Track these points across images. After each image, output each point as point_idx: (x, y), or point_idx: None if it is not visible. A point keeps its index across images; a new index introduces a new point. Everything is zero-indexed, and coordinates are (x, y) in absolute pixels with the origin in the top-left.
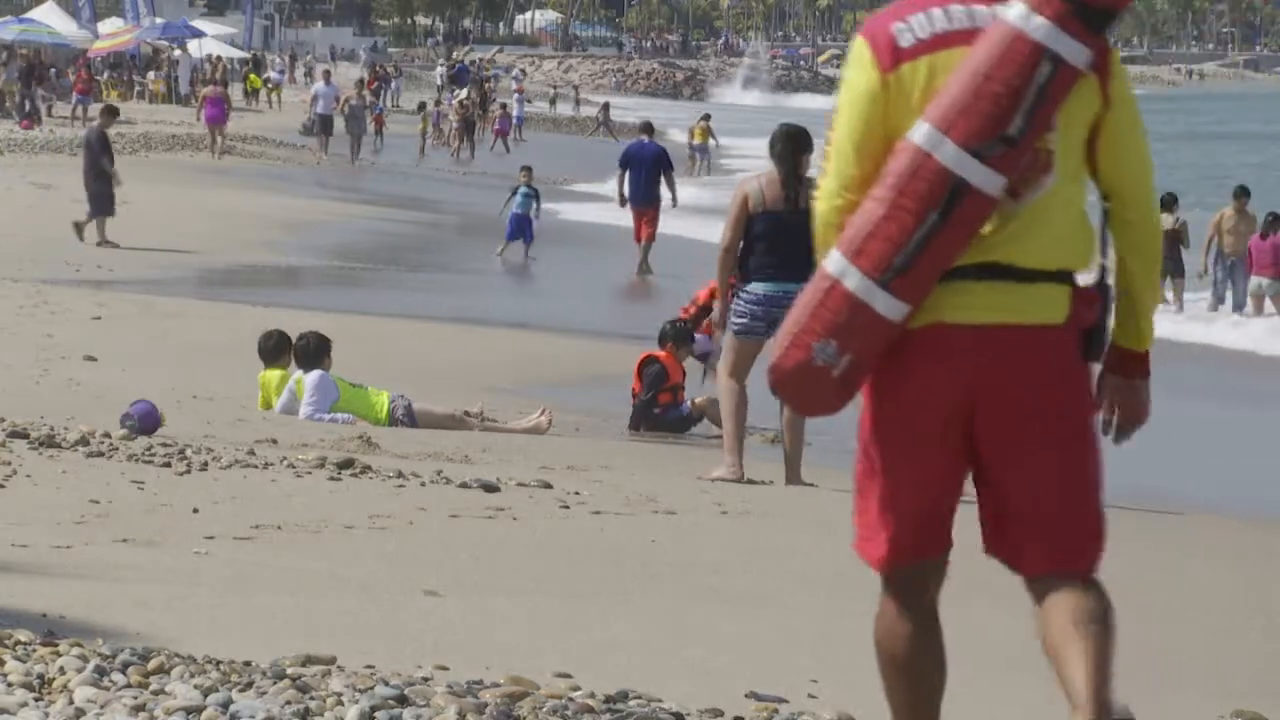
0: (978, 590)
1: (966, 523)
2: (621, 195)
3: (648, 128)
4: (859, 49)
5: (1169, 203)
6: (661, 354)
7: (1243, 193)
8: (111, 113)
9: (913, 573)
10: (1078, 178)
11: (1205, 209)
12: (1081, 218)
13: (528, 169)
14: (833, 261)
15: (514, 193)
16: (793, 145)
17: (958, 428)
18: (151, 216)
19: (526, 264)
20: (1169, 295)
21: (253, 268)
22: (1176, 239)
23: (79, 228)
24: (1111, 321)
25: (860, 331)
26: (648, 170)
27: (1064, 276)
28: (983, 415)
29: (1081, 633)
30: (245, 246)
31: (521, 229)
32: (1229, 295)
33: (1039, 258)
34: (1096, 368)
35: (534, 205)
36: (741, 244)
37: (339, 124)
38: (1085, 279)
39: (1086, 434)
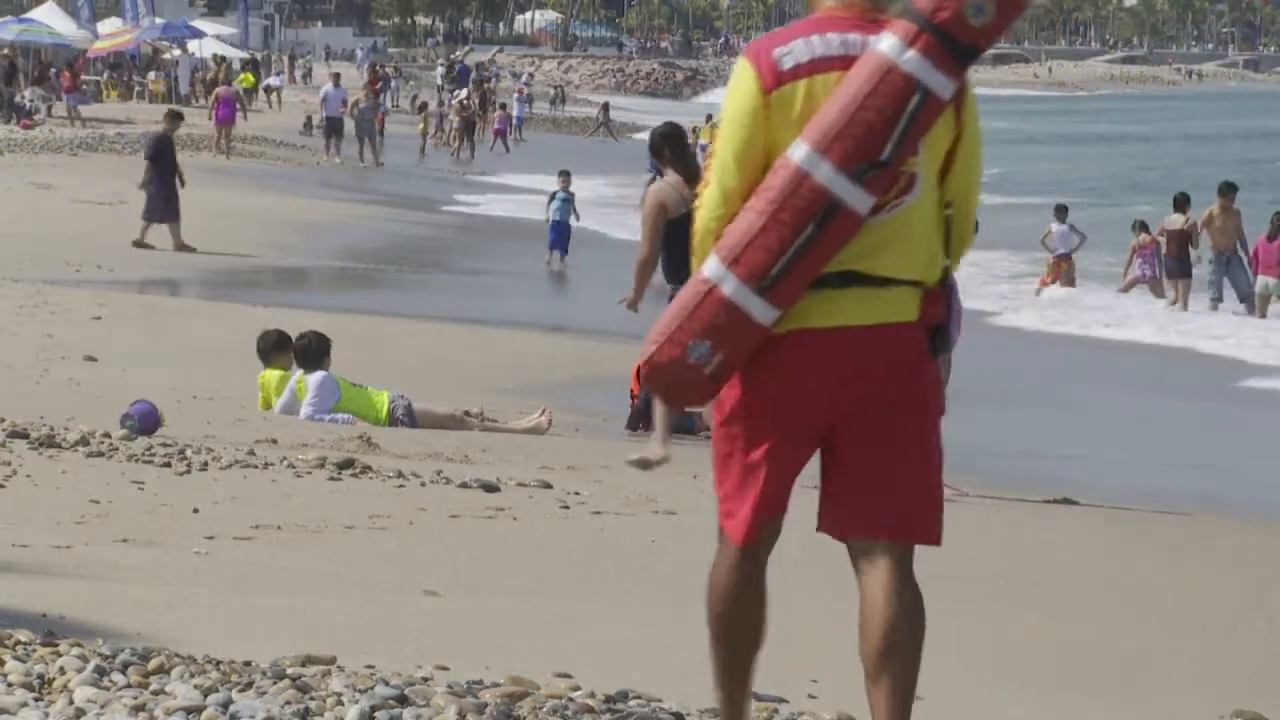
0: (994, 599)
1: (969, 529)
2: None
3: None
4: (743, 69)
5: (1181, 203)
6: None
7: (1229, 189)
8: (176, 117)
9: (746, 547)
10: (934, 196)
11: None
12: (935, 231)
13: (565, 173)
14: (710, 267)
15: (552, 198)
16: (680, 144)
17: (818, 421)
18: None
19: (563, 271)
20: (1169, 294)
21: (253, 268)
22: (1186, 240)
23: (141, 242)
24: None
25: (734, 334)
26: None
27: (916, 282)
28: (844, 406)
29: (892, 664)
30: (245, 246)
31: (562, 237)
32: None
33: (896, 268)
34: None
35: (572, 210)
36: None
37: (348, 125)
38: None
39: (933, 421)
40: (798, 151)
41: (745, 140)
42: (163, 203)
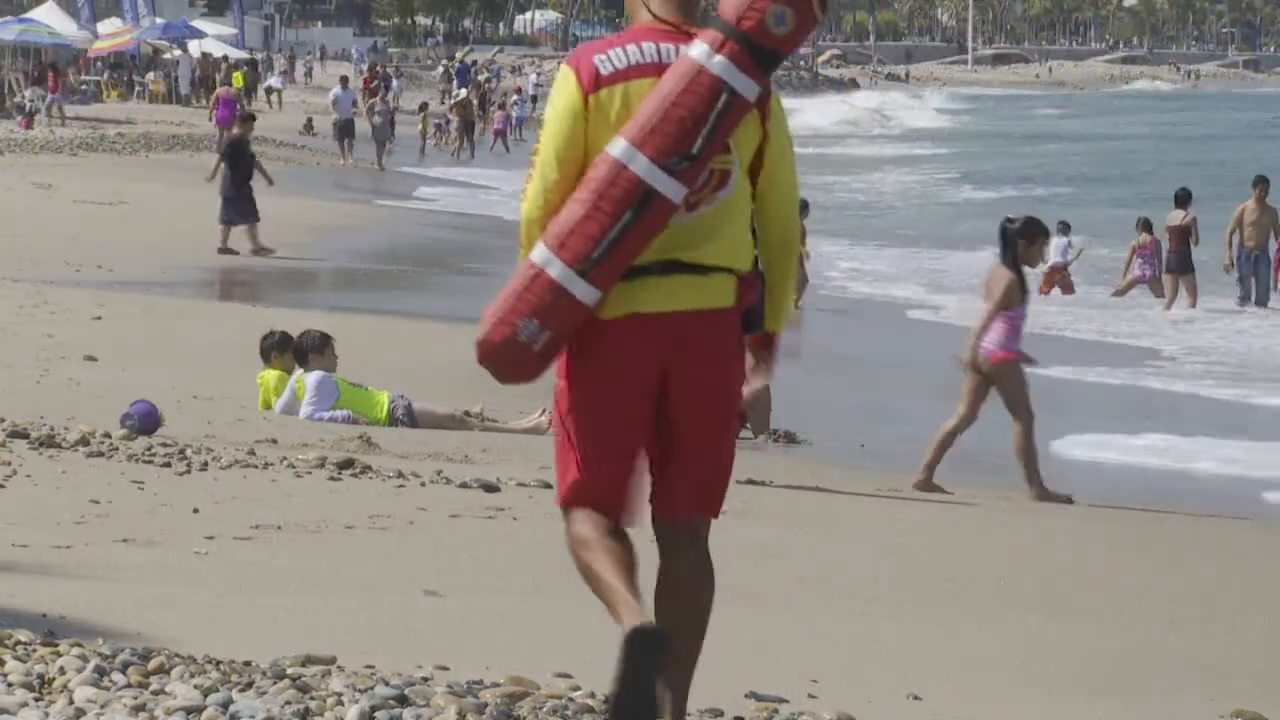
0: (994, 599)
1: (969, 529)
2: None
3: None
4: (565, 75)
5: (1183, 199)
6: None
7: (1261, 182)
8: (249, 119)
9: (593, 515)
10: (746, 194)
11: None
12: (748, 224)
13: None
14: (538, 253)
15: None
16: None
17: (649, 399)
18: (151, 216)
19: None
20: (1164, 290)
21: (253, 268)
22: (1186, 235)
23: (224, 247)
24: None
25: (559, 313)
26: None
27: (731, 269)
28: (671, 386)
29: (679, 623)
30: (245, 246)
31: None
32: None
33: (714, 257)
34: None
35: None
36: None
37: (359, 126)
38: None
39: (737, 404)
40: (616, 146)
41: (566, 139)
42: (239, 205)
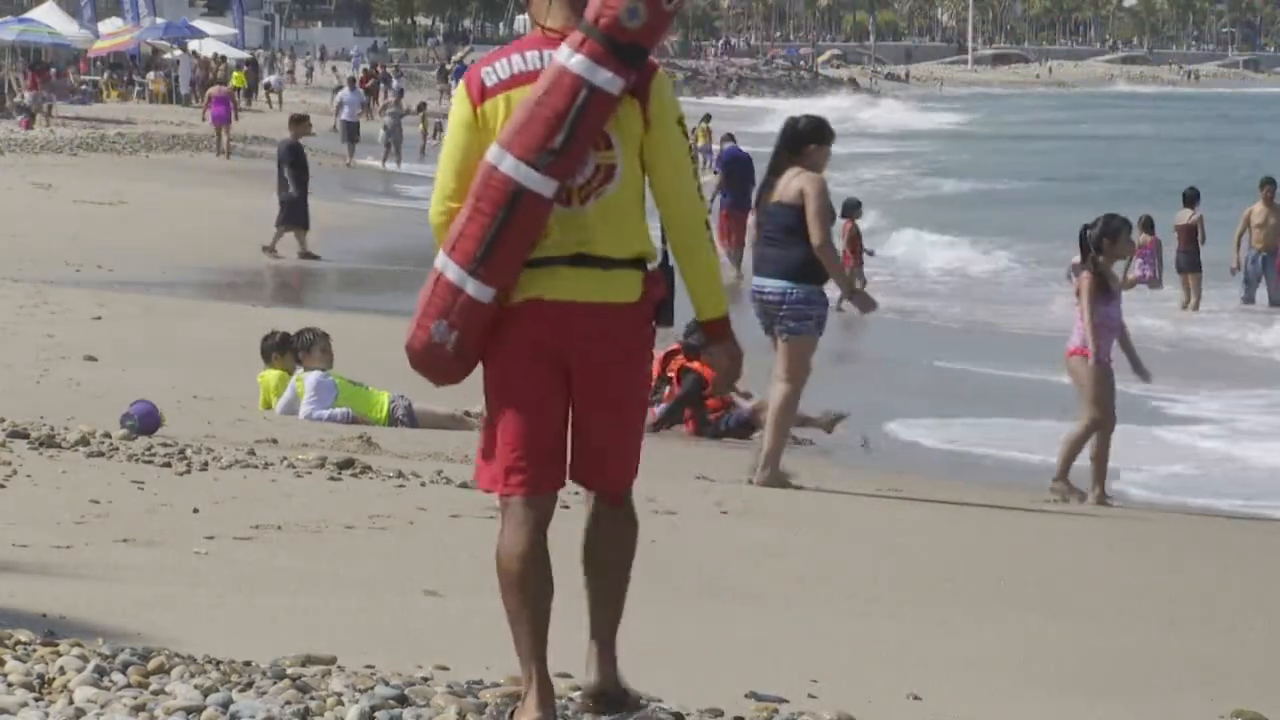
0: (994, 599)
1: (969, 530)
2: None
3: (729, 137)
4: (460, 89)
5: (1190, 198)
6: (695, 364)
7: (1269, 183)
8: (300, 121)
9: (525, 505)
10: (636, 185)
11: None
12: (641, 215)
13: None
14: (439, 258)
15: None
16: (825, 135)
17: (558, 382)
18: (151, 216)
19: None
20: (1166, 288)
21: (253, 268)
22: (1193, 234)
23: (271, 249)
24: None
25: (461, 312)
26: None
27: (637, 263)
28: (575, 373)
29: (605, 575)
30: (244, 246)
31: None
32: (1261, 291)
33: (613, 248)
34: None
35: None
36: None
37: (368, 129)
38: (652, 264)
39: (642, 390)
40: (489, 151)
41: (460, 149)
42: (293, 208)
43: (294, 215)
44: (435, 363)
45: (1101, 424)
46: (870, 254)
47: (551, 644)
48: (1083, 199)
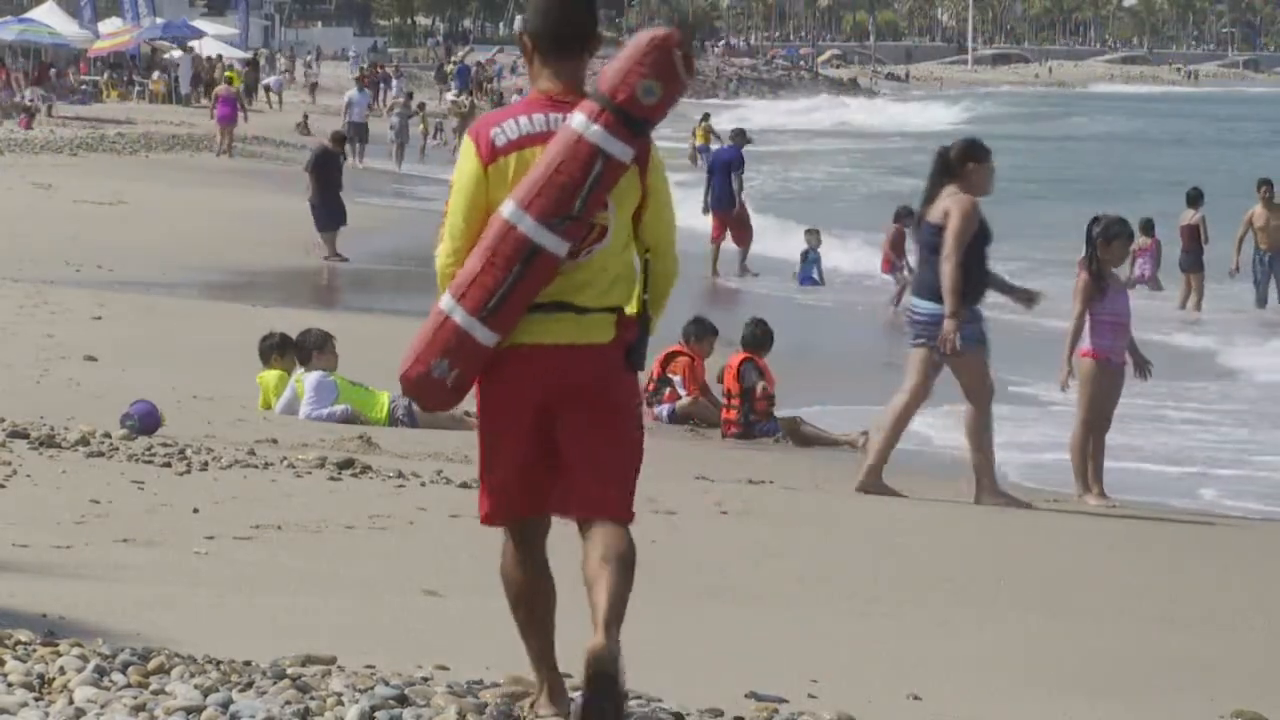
0: (994, 599)
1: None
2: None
3: (740, 134)
4: (467, 146)
5: (1194, 198)
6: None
7: (1265, 184)
8: (340, 141)
9: (522, 527)
10: (627, 243)
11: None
12: (628, 270)
13: (814, 231)
14: (445, 301)
15: (804, 258)
16: (984, 155)
17: (542, 419)
18: (151, 216)
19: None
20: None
21: (254, 268)
22: (1196, 234)
23: (332, 254)
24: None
25: (464, 354)
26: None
27: (612, 309)
28: (558, 409)
29: (608, 569)
30: (244, 246)
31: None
32: (1273, 293)
33: (595, 299)
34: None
35: (816, 269)
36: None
37: (376, 129)
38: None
39: (630, 421)
40: (506, 208)
41: (469, 203)
42: (315, 213)
43: (318, 219)
44: (430, 393)
45: (1091, 423)
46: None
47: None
48: (1063, 199)
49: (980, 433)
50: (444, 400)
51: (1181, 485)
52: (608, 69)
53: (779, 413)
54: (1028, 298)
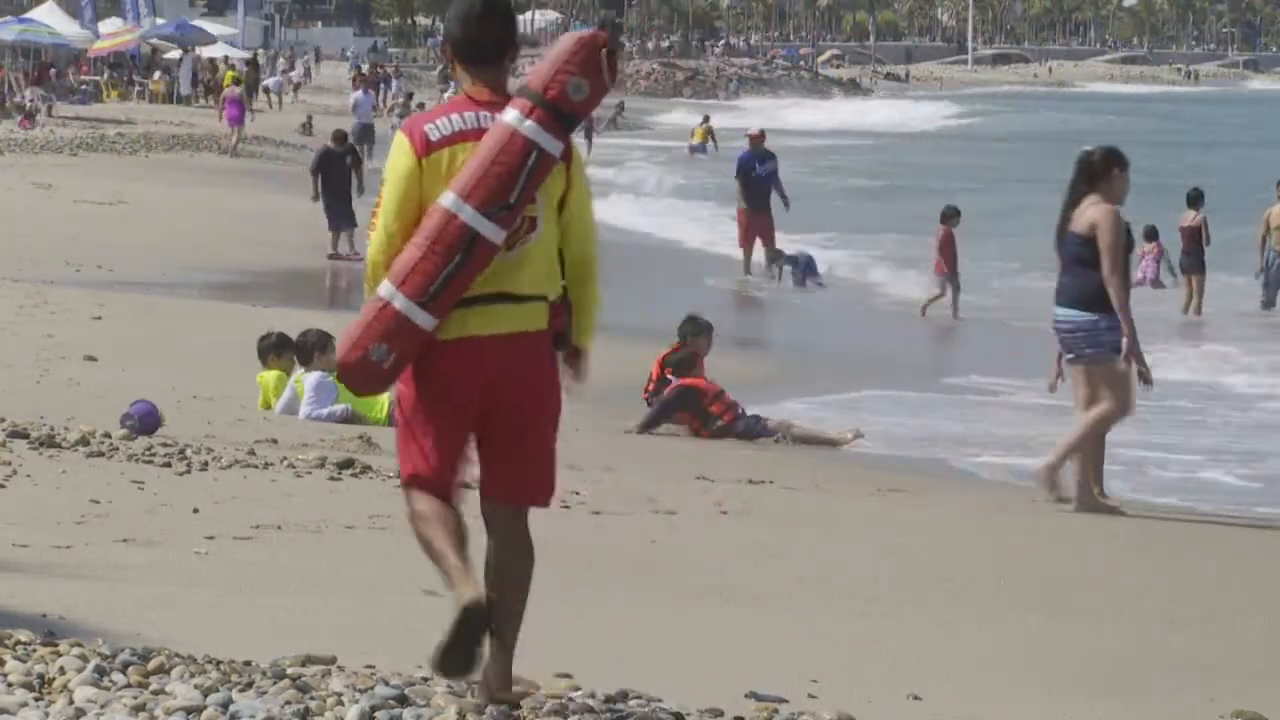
0: (994, 599)
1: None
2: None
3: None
4: (400, 141)
5: (1194, 199)
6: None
7: None
8: (341, 138)
9: (429, 492)
10: (553, 234)
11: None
12: (555, 259)
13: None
14: (384, 289)
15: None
16: (1081, 169)
17: (473, 404)
18: (151, 216)
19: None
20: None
21: (254, 268)
22: (1197, 235)
23: (350, 253)
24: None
25: (404, 338)
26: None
27: (543, 297)
28: (494, 394)
29: (512, 591)
30: (245, 246)
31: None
32: None
33: (529, 287)
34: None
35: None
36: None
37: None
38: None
39: (555, 409)
40: (447, 199)
41: (403, 195)
42: (326, 212)
43: (329, 218)
44: (367, 377)
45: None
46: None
47: (551, 644)
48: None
49: (1095, 440)
50: (379, 383)
51: (1179, 485)
52: (538, 68)
53: (770, 421)
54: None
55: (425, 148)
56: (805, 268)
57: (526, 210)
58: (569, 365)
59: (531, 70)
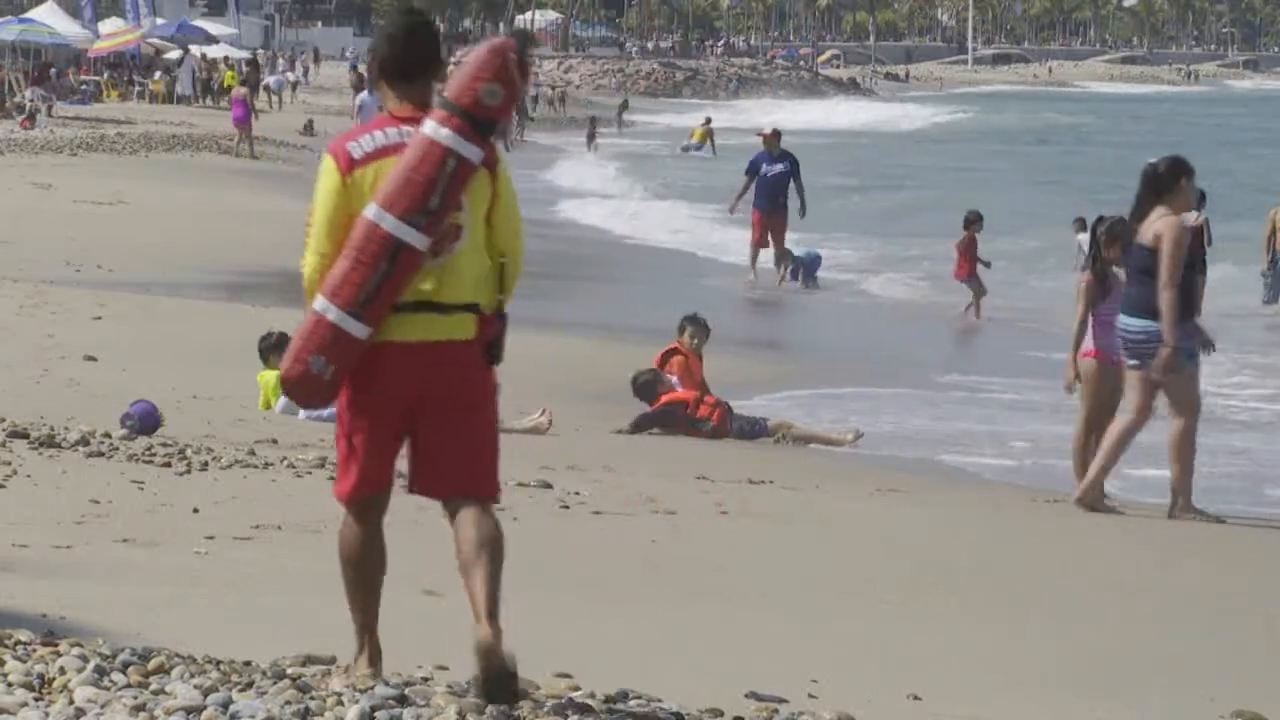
0: (995, 600)
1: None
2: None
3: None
4: (327, 161)
5: (1197, 200)
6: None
7: None
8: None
9: (367, 502)
10: (482, 245)
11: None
12: (485, 271)
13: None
14: (319, 303)
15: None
16: (1147, 180)
17: (404, 410)
18: (151, 216)
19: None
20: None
21: (254, 268)
22: (1198, 236)
23: None
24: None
25: (340, 348)
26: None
27: (474, 308)
28: (423, 402)
29: (483, 557)
30: (245, 246)
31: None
32: None
33: (455, 296)
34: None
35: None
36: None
37: None
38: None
39: (488, 410)
40: (370, 210)
41: (331, 214)
42: None
43: None
44: (310, 390)
45: (1093, 422)
46: (987, 265)
47: (551, 644)
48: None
49: (1184, 448)
50: (323, 396)
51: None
52: (454, 78)
53: (770, 421)
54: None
55: (349, 165)
56: (809, 268)
57: (452, 218)
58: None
59: (449, 81)
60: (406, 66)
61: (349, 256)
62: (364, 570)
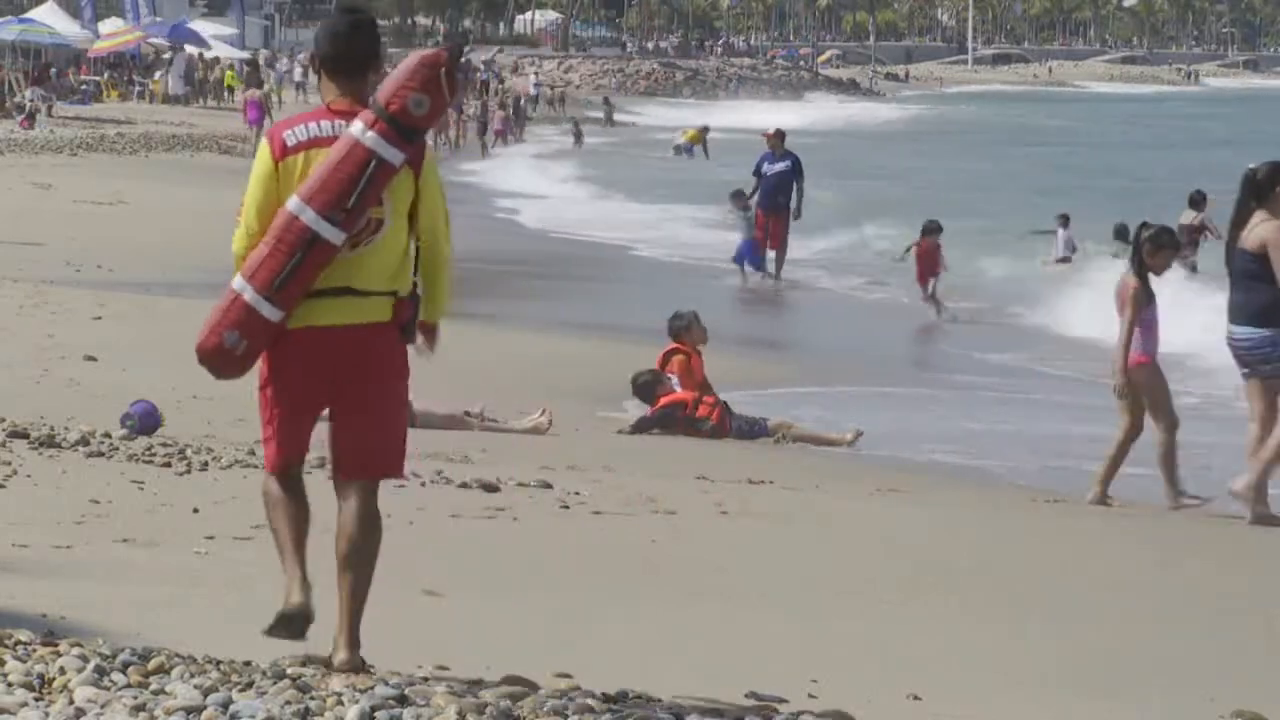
0: (995, 600)
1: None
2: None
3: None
4: (262, 145)
5: (1198, 200)
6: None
7: None
8: None
9: (288, 471)
10: (400, 235)
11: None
12: (403, 258)
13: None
14: (237, 281)
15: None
16: (1247, 185)
17: (321, 389)
18: (151, 216)
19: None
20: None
21: None
22: (1197, 235)
23: None
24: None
25: (253, 327)
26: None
27: (389, 293)
28: (338, 380)
29: (350, 567)
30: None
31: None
32: None
33: (373, 282)
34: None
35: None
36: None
37: None
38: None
39: (399, 392)
40: (292, 202)
41: (262, 195)
42: None
43: None
44: (222, 363)
45: (1175, 426)
46: (945, 270)
47: (551, 644)
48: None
49: (1269, 453)
50: (234, 369)
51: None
52: (385, 83)
53: (770, 421)
54: None
55: (282, 152)
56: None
57: (373, 212)
58: (424, 337)
59: (381, 85)
60: (346, 62)
61: (269, 242)
62: (286, 512)
